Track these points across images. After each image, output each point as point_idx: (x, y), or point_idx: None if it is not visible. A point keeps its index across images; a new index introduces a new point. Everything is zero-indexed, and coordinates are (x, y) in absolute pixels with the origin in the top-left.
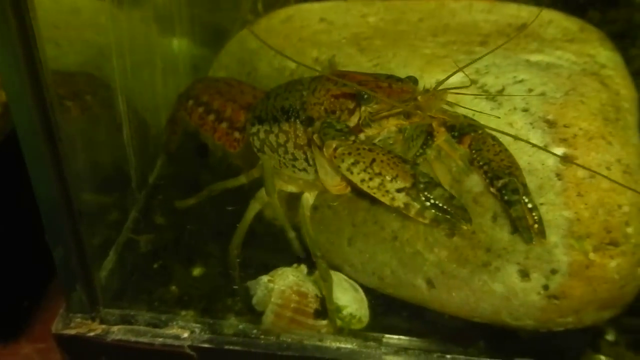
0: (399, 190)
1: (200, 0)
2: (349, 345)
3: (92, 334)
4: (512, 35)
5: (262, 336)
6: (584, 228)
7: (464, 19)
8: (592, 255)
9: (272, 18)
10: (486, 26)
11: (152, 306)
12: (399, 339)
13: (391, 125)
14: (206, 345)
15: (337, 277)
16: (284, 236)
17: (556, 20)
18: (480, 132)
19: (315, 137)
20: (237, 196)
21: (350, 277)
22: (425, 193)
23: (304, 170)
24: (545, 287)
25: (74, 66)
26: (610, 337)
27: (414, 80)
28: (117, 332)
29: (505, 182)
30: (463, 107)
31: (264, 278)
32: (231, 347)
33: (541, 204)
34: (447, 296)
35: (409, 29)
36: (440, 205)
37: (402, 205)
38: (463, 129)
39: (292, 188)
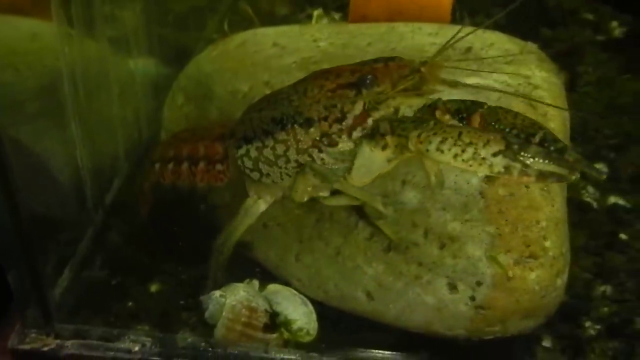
0: (495, 155)
1: (164, 19)
2: (292, 357)
3: (46, 348)
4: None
5: (211, 349)
6: (505, 242)
7: (410, 42)
8: (512, 269)
9: (227, 43)
10: (431, 49)
11: (108, 322)
12: (343, 349)
13: (398, 103)
14: (156, 359)
15: (287, 292)
16: (236, 252)
17: (498, 42)
18: (485, 106)
19: (388, 139)
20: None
21: (299, 291)
22: (522, 153)
23: None
24: (472, 298)
25: (33, 90)
26: (546, 343)
27: (399, 59)
28: (71, 347)
29: (542, 135)
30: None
31: (216, 293)
32: None
33: (466, 220)
34: (384, 308)
35: (356, 53)
36: (541, 160)
37: (502, 170)
38: (469, 109)
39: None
